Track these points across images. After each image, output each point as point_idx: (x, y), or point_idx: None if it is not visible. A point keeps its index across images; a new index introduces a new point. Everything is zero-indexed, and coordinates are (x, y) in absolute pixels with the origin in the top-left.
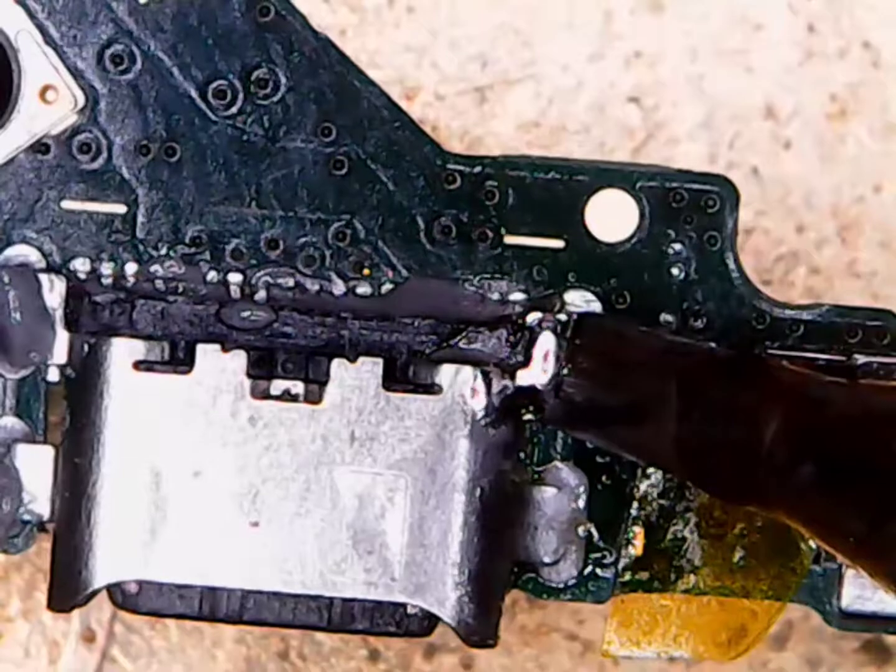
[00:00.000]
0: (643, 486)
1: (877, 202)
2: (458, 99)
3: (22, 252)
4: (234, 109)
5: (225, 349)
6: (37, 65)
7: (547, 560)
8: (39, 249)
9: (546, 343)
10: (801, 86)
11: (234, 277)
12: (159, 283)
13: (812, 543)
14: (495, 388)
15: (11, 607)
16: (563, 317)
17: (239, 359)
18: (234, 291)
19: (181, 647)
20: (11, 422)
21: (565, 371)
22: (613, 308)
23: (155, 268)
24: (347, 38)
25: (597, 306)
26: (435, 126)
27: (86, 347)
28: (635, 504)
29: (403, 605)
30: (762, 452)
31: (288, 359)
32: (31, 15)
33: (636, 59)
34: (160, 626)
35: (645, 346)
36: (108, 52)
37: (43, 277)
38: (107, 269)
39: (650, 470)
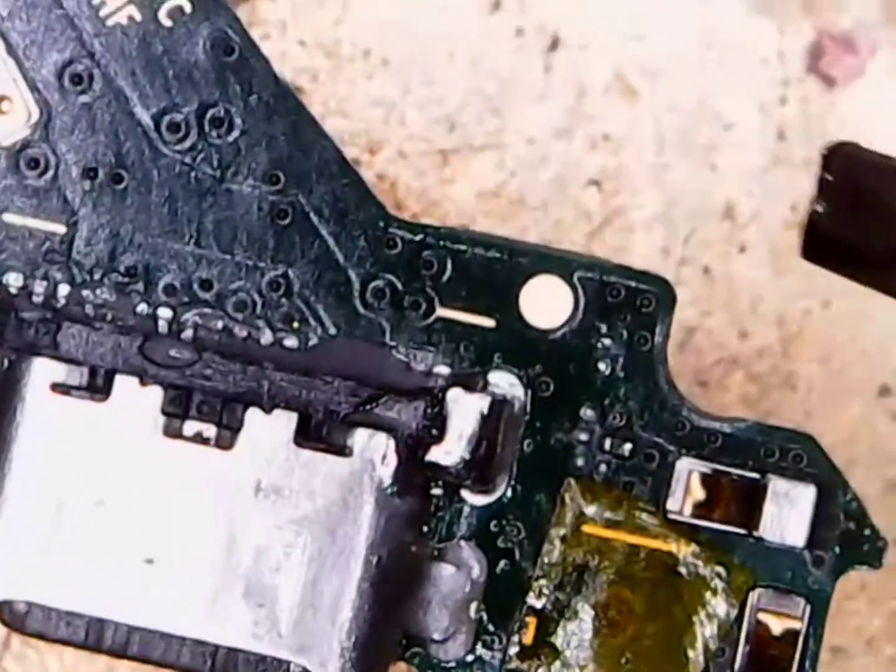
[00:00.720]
0: (541, 577)
1: (824, 317)
2: (421, 159)
3: None
4: (185, 144)
5: (143, 382)
6: None
7: (436, 637)
8: None
9: (463, 424)
10: (763, 191)
11: (164, 312)
12: (89, 308)
13: (700, 658)
14: (406, 458)
15: None
16: (486, 401)
17: (155, 394)
18: (162, 327)
19: (75, 667)
20: None
21: (818, 207)
22: (536, 394)
23: (86, 292)
24: (319, 84)
25: (519, 390)
26: (394, 183)
27: (6, 362)
28: (532, 594)
29: (287, 663)
30: None
31: (204, 401)
32: None
33: (603, 142)
34: (58, 646)
35: None
36: (69, 70)
37: None
38: (39, 286)
39: (549, 562)
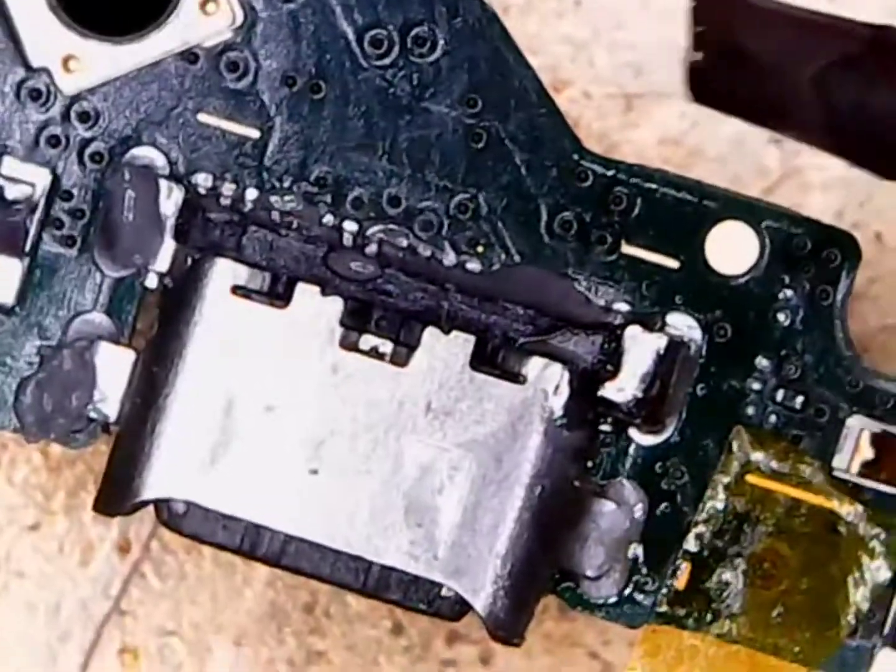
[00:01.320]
0: (701, 523)
1: None
2: (605, 101)
3: (148, 154)
4: (386, 61)
5: (324, 293)
6: None
7: (590, 573)
8: (166, 155)
9: (639, 362)
10: None
11: (350, 226)
12: (275, 215)
13: (851, 618)
14: (579, 391)
15: (56, 501)
16: (663, 341)
17: (335, 305)
18: (347, 239)
19: (212, 577)
20: (100, 318)
21: (694, 57)
22: (713, 339)
23: (274, 198)
24: (510, 17)
25: (697, 334)
26: (577, 123)
27: (189, 261)
28: (690, 538)
29: (439, 586)
30: None
31: (383, 316)
32: None
33: None
34: (195, 553)
35: (771, 35)
36: None
37: (163, 183)
38: (227, 189)
39: (710, 508)
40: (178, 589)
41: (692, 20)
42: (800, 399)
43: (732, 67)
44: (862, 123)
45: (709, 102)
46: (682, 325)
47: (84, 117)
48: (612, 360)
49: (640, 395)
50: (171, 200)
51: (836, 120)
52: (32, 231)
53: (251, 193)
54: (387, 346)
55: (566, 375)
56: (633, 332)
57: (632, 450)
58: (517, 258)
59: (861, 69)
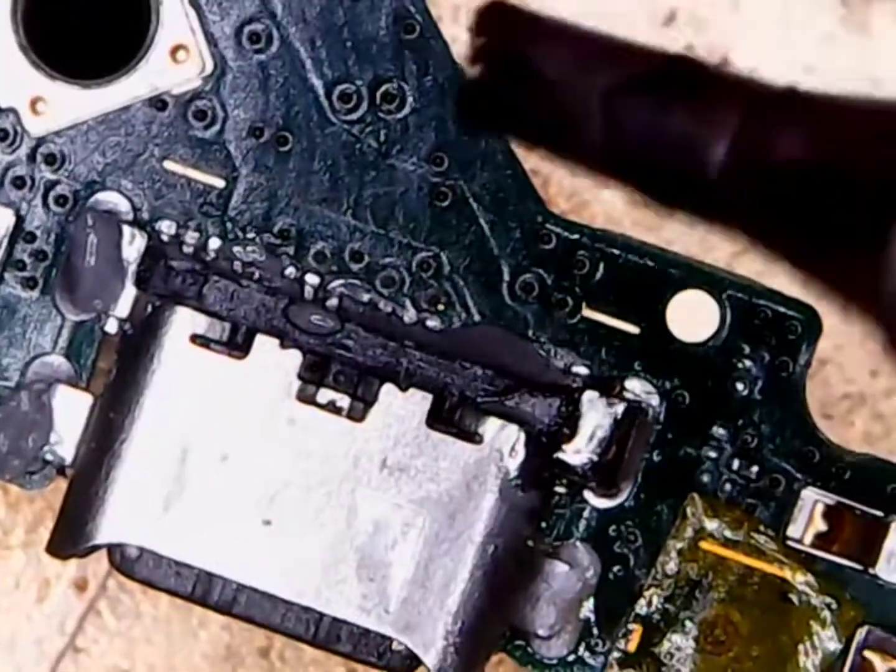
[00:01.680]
0: (653, 587)
1: None
2: None
3: (112, 199)
4: (354, 116)
5: (283, 345)
6: (176, 22)
7: (541, 633)
8: (131, 201)
9: (596, 426)
10: None
11: (311, 279)
12: (237, 265)
13: None
14: (535, 453)
15: (14, 537)
16: (620, 407)
17: (294, 358)
18: (308, 292)
19: (167, 618)
20: (59, 361)
21: (472, 72)
22: (670, 406)
23: (237, 249)
24: None
25: (655, 400)
26: (546, 180)
27: (149, 308)
28: (641, 601)
29: (390, 640)
30: (703, 177)
31: (341, 371)
32: None
33: None
34: (152, 593)
35: (558, 52)
36: (248, 28)
37: (126, 229)
38: (190, 237)
39: (663, 575)
40: (134, 628)
41: (472, 31)
42: (755, 469)
43: (513, 83)
44: (646, 149)
45: (480, 122)
46: (641, 390)
47: (50, 159)
48: (568, 422)
49: (595, 458)
50: (133, 247)
51: (619, 143)
52: None
53: (214, 243)
54: (344, 401)
55: (522, 437)
56: (591, 396)
57: (586, 512)
58: (478, 318)
59: (650, 94)
